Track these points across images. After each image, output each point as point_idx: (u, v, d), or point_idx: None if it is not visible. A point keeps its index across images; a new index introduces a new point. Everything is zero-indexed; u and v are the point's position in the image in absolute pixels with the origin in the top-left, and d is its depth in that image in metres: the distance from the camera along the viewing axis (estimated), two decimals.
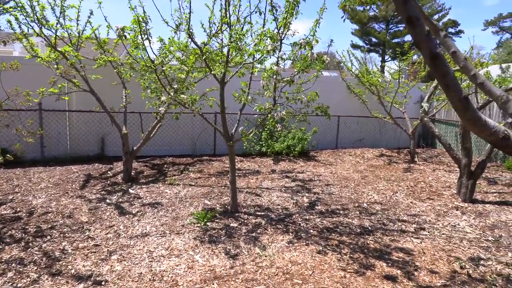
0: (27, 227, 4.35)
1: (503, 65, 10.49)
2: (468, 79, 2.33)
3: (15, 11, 5.73)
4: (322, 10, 4.26)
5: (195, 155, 8.95)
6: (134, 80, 6.90)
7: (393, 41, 38.23)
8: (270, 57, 3.97)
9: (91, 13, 6.51)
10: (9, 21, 5.91)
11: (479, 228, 4.96)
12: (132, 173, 6.70)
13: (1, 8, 5.97)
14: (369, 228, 4.75)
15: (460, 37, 44.38)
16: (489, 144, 6.10)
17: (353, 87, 10.45)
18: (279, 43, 3.92)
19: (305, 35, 4.17)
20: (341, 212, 5.35)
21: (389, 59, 38.82)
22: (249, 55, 4.61)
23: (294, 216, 5.05)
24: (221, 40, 4.73)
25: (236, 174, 7.01)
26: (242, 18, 4.41)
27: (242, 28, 4.51)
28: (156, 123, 6.49)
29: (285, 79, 4.03)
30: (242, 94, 4.40)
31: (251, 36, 4.63)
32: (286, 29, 3.88)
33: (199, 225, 4.57)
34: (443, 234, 4.69)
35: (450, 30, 45.50)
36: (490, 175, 8.01)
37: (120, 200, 5.48)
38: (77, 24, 6.39)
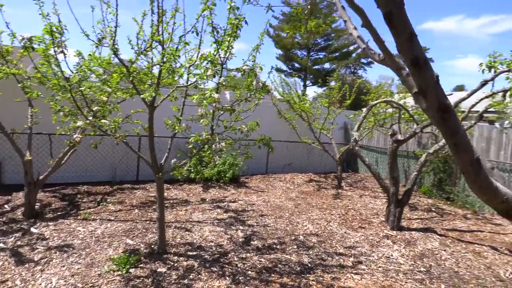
0: None
1: None
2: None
3: None
4: (263, 35, 4.04)
5: (115, 182, 8.02)
6: (43, 98, 5.98)
7: (314, 67, 40.68)
8: (208, 82, 3.57)
9: None
10: None
11: (410, 257, 5.04)
12: (36, 207, 5.65)
13: None
14: (309, 265, 4.50)
15: (371, 67, 49.44)
16: (415, 172, 6.39)
17: (283, 112, 10.50)
18: (219, 67, 3.56)
19: (243, 59, 3.89)
20: (278, 247, 5.05)
21: (310, 84, 41.07)
22: (180, 75, 4.17)
23: (229, 255, 4.61)
24: (151, 59, 4.23)
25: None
26: (176, 36, 3.99)
27: (177, 47, 4.08)
28: (69, 149, 5.60)
29: (225, 107, 3.66)
30: (175, 122, 3.91)
31: (185, 56, 4.22)
32: (229, 53, 3.54)
33: (120, 273, 3.87)
34: (380, 267, 4.64)
35: (363, 60, 50.14)
36: (410, 200, 8.47)
37: (19, 243, 4.49)
38: None
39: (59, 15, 4.20)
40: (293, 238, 5.46)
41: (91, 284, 3.60)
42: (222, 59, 3.55)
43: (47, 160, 6.29)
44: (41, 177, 5.48)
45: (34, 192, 5.44)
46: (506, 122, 7.05)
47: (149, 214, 6.04)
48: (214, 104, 3.56)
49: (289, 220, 6.37)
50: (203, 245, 4.88)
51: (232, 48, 3.53)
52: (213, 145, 3.71)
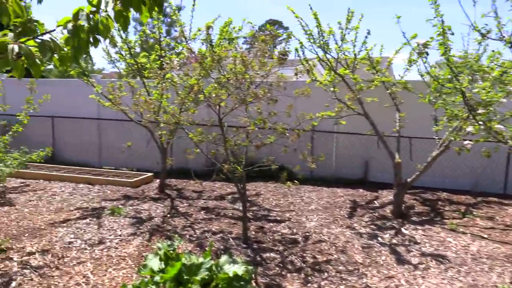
0: (304, 254, 4.28)
1: None
2: None
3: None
4: None
5: (475, 193, 7.14)
6: (406, 102, 6.18)
7: None
8: None
9: (369, 32, 6.24)
10: (296, 49, 6.45)
11: None
12: (402, 208, 5.87)
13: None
14: None
15: None
16: None
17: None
18: None
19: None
20: None
21: None
22: None
23: None
24: None
25: None
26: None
27: None
28: (439, 154, 5.40)
29: None
30: None
31: None
32: None
33: None
34: None
35: None
36: None
37: (394, 241, 4.75)
38: (354, 46, 6.27)
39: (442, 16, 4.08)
40: None
41: None
42: None
43: (408, 162, 6.44)
44: (409, 180, 5.62)
45: (402, 194, 5.66)
46: None
47: None
48: None
49: None
50: None
51: None
52: None
